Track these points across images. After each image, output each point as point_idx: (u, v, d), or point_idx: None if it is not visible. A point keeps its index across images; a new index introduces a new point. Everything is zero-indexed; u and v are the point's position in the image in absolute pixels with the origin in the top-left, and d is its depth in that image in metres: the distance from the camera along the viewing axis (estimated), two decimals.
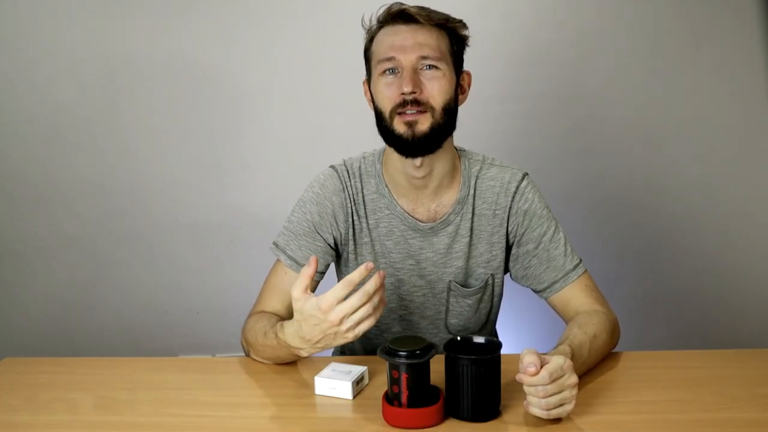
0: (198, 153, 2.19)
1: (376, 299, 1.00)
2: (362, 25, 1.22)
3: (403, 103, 1.15)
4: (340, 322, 0.99)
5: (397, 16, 1.17)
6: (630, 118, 2.11)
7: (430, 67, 1.15)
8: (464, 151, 1.31)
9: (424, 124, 1.15)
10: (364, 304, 0.98)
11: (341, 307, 0.98)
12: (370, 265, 0.99)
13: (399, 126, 1.16)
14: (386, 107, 1.17)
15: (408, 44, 1.15)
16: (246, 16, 2.09)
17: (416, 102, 1.14)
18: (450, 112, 1.18)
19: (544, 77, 2.09)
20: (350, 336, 1.00)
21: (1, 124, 2.19)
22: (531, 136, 2.13)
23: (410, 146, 1.16)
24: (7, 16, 2.12)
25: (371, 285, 0.99)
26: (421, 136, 1.15)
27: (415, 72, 1.15)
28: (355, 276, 0.98)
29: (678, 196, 2.15)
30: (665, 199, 2.16)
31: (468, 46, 1.24)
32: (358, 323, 0.99)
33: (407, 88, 1.13)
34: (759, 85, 2.04)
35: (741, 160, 2.11)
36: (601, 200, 2.17)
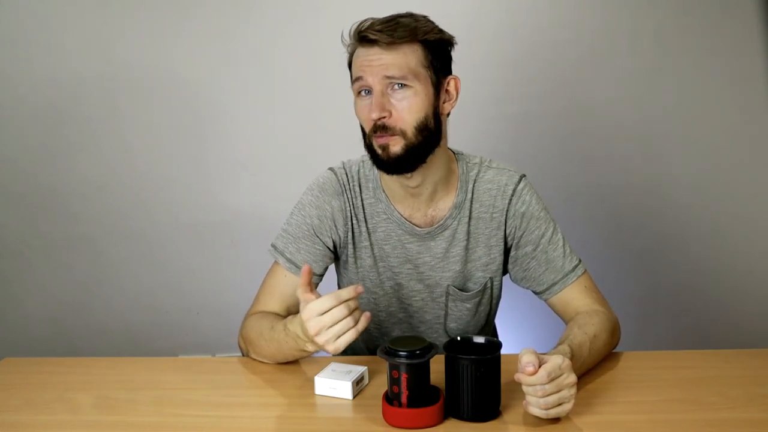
0: (198, 153, 2.19)
1: (357, 314, 1.00)
2: (342, 42, 1.19)
3: (375, 128, 1.14)
4: (317, 333, 0.99)
5: (362, 39, 1.14)
6: (630, 119, 2.11)
7: (401, 86, 1.13)
8: (461, 154, 1.30)
9: (396, 146, 1.14)
10: (345, 317, 0.98)
11: (318, 320, 0.99)
12: (360, 288, 1.00)
13: (376, 147, 1.16)
14: (366, 127, 1.17)
15: (374, 65, 1.13)
16: (246, 16, 2.09)
17: (384, 127, 1.13)
18: (426, 129, 1.16)
19: (543, 78, 2.09)
20: (330, 349, 1.00)
21: (1, 124, 2.19)
22: (531, 137, 2.13)
23: (388, 166, 1.17)
24: (7, 16, 2.12)
25: (351, 300, 0.99)
26: (395, 158, 1.15)
27: (383, 94, 1.13)
28: (343, 294, 0.98)
29: (678, 197, 2.15)
30: (665, 200, 2.16)
31: (455, 44, 1.19)
32: (338, 336, 0.99)
33: (374, 115, 1.12)
34: (759, 86, 2.04)
35: (741, 161, 2.11)
36: (601, 201, 2.17)
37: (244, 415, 1.05)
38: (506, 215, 1.27)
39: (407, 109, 1.14)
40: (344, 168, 1.30)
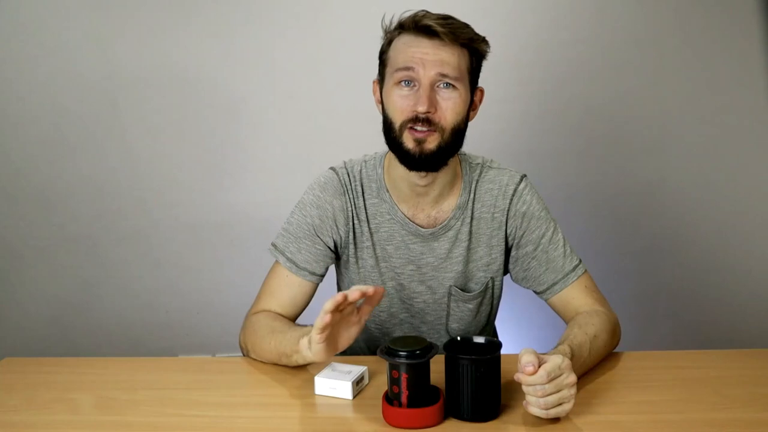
0: (198, 153, 2.19)
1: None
2: (382, 26, 1.18)
3: (415, 119, 1.13)
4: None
5: (422, 29, 1.12)
6: (630, 118, 2.11)
7: (448, 85, 1.13)
8: (464, 155, 1.30)
9: (432, 143, 1.14)
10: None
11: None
12: (370, 289, 1.02)
13: (408, 141, 1.15)
14: (397, 119, 1.15)
15: (429, 59, 1.12)
16: (246, 16, 2.09)
17: (428, 121, 1.13)
18: (459, 132, 1.16)
19: (544, 78, 2.09)
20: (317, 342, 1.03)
21: (1, 124, 2.19)
22: (531, 137, 2.13)
23: (416, 162, 1.16)
24: (7, 16, 2.12)
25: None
26: (428, 154, 1.14)
27: (432, 89, 1.13)
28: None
29: (678, 196, 2.15)
30: (665, 199, 2.16)
31: (486, 60, 1.20)
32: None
33: (422, 107, 1.11)
34: (759, 85, 2.04)
35: (741, 161, 2.11)
36: (601, 200, 2.17)
37: (244, 415, 1.05)
38: (507, 215, 1.27)
39: (451, 109, 1.14)
40: (346, 168, 1.30)
